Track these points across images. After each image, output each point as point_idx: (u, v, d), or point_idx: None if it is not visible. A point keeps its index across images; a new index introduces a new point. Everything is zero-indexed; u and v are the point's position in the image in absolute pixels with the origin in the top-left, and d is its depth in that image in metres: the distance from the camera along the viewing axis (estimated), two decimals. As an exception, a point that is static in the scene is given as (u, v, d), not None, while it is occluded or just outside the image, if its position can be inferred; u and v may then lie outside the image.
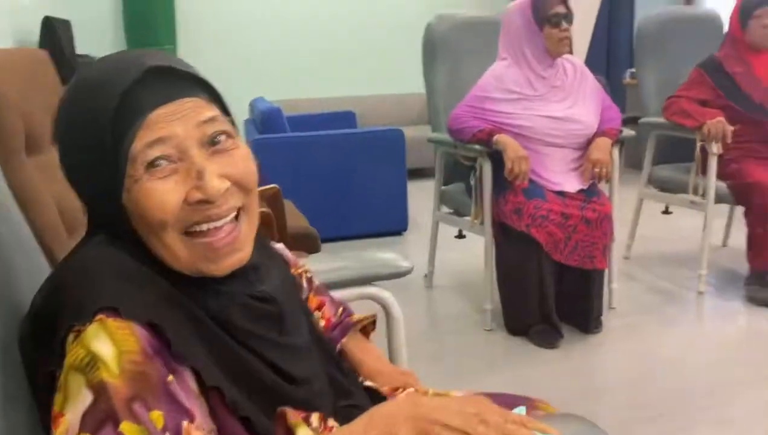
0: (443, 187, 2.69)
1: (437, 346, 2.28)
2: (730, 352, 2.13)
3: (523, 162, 2.14)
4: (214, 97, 0.71)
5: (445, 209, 2.70)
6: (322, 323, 0.96)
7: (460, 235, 2.63)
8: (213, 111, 0.69)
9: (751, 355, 2.10)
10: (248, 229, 0.72)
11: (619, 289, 2.52)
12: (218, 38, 5.42)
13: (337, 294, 1.01)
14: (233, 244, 0.70)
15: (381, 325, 1.10)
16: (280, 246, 0.99)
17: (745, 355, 2.10)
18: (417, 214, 3.92)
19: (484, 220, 2.30)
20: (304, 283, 0.98)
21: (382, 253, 1.09)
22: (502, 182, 2.22)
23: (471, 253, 3.07)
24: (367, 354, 0.98)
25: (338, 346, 0.96)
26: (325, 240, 3.49)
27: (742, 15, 2.62)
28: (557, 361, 2.10)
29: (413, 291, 2.78)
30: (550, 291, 2.16)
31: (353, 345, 0.98)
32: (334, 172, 3.51)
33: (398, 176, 3.62)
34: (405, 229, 3.68)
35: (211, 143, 0.69)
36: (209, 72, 0.73)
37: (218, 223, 0.69)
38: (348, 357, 0.97)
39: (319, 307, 0.98)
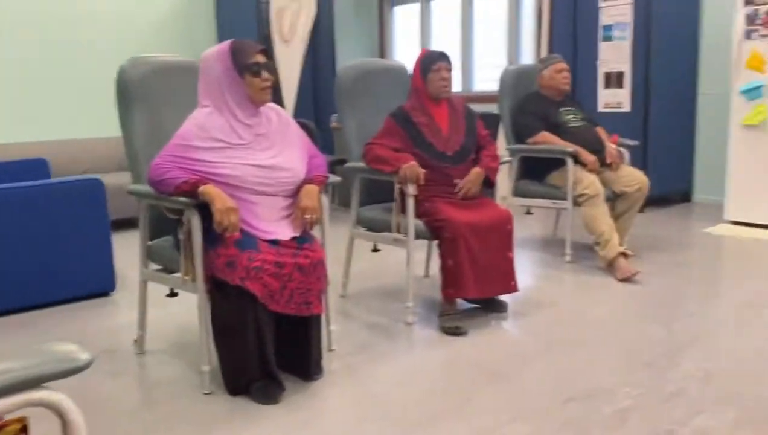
0: (150, 243, 2.48)
1: (151, 419, 2.06)
2: (436, 382, 2.28)
3: (232, 213, 2.07)
4: None
5: (153, 266, 2.50)
6: None
7: (172, 294, 2.45)
8: None
9: (453, 384, 2.27)
10: None
11: (337, 330, 2.57)
12: None
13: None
14: None
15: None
16: None
17: (449, 385, 2.27)
18: (127, 269, 3.60)
19: (196, 276, 2.16)
20: None
21: (54, 346, 0.91)
22: (212, 235, 2.12)
23: (185, 311, 2.89)
24: None
25: None
26: (14, 311, 3.03)
27: (423, 68, 2.91)
28: (281, 415, 2.04)
29: (122, 359, 2.51)
30: (268, 344, 2.11)
31: None
32: (22, 231, 3.05)
33: (100, 230, 3.28)
34: (112, 289, 3.34)
35: None
36: None
37: None
38: None
39: None
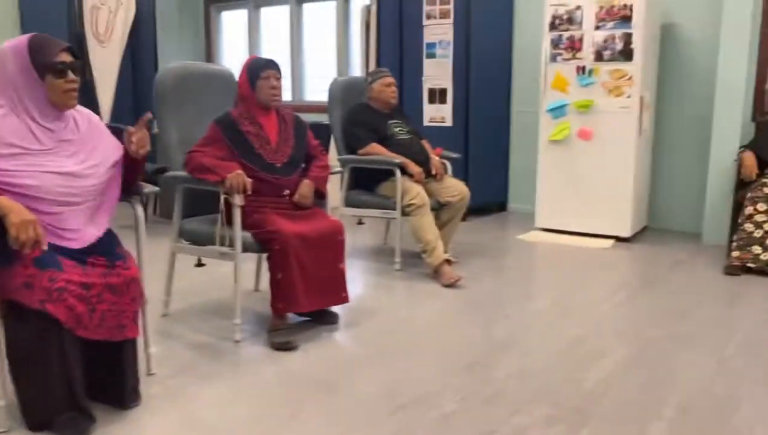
0: (-72, 263, 2.14)
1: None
2: (265, 400, 2.20)
3: (30, 227, 1.83)
4: None
5: (-67, 289, 2.15)
6: None
7: (-42, 320, 2.13)
8: None
9: (283, 400, 2.21)
10: None
11: (158, 352, 2.39)
12: None
13: None
14: None
15: None
16: None
17: (279, 401, 2.20)
18: None
19: (-13, 299, 1.90)
20: None
21: None
22: (7, 252, 1.87)
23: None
24: None
25: None
26: None
27: (251, 75, 2.82)
28: (91, 450, 1.85)
29: None
30: (75, 372, 1.89)
31: None
32: None
33: None
34: None
35: None
36: None
37: None
38: None
39: None
